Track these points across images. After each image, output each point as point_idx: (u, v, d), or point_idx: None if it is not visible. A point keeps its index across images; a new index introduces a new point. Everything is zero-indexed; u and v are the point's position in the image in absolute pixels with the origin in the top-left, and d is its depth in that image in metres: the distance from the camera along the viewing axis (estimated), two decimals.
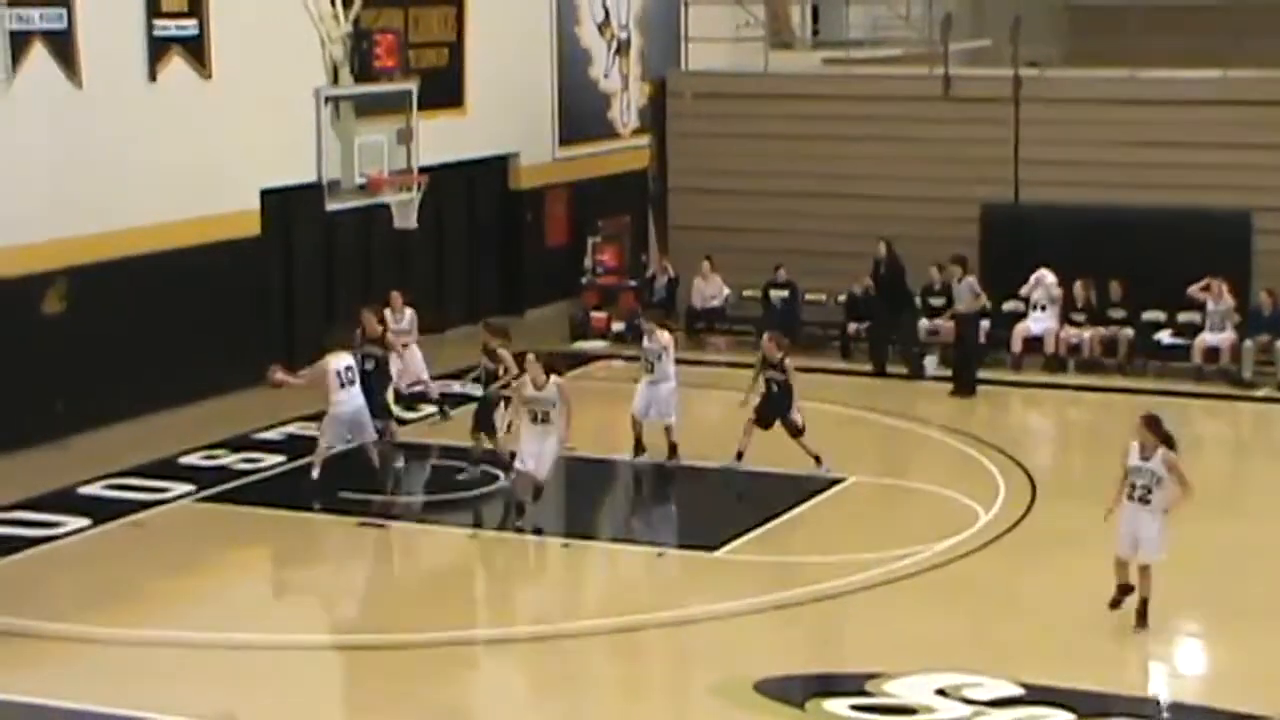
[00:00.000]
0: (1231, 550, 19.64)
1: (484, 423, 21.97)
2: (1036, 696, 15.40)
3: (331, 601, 19.03)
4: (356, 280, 28.72)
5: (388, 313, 24.45)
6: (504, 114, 31.33)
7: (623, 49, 34.77)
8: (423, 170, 25.31)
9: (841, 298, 28.97)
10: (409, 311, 24.95)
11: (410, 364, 24.52)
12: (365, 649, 17.25)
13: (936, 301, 28.24)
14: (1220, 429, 25.29)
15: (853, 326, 28.71)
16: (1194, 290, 26.69)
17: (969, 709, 15.23)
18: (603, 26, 34.20)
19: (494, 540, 20.57)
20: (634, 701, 16.21)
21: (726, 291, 29.79)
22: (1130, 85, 28.96)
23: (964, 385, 26.34)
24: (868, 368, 27.93)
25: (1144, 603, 17.10)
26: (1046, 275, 27.61)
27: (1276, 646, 16.72)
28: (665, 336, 23.32)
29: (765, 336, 22.97)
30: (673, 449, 22.79)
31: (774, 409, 22.32)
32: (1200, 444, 23.92)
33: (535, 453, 19.99)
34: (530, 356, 20.48)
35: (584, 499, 22.55)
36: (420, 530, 20.56)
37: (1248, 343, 26.60)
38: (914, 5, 34.77)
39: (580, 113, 33.61)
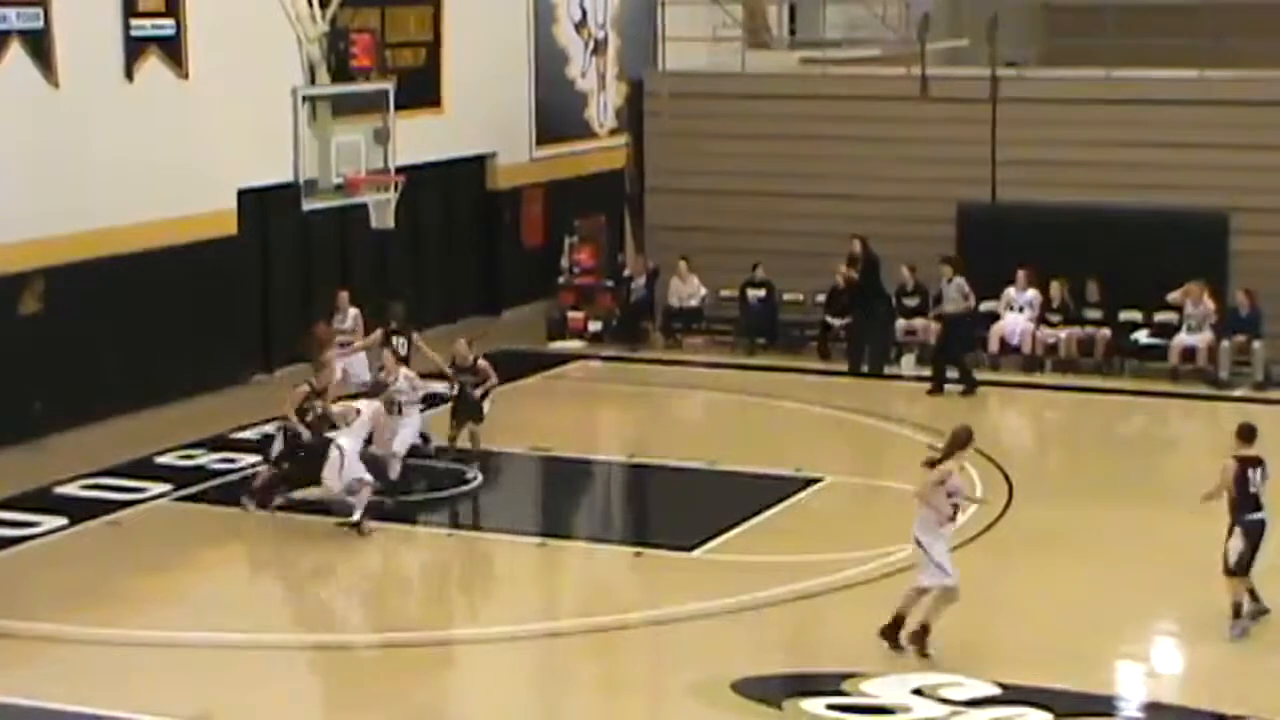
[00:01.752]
0: (1207, 550, 19.65)
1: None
2: (1013, 696, 15.43)
3: (309, 601, 19.02)
4: (333, 280, 28.66)
5: (338, 316, 24.53)
6: (481, 114, 31.32)
7: (600, 49, 34.78)
8: (400, 170, 25.28)
9: (820, 297, 28.97)
10: (353, 311, 24.91)
11: (352, 367, 24.36)
12: (344, 649, 17.26)
13: (911, 301, 28.29)
14: (1197, 429, 25.34)
15: (836, 321, 28.69)
16: (1174, 296, 26.74)
17: (946, 709, 15.26)
18: (580, 26, 34.20)
19: (473, 540, 20.59)
20: (611, 701, 16.21)
21: (703, 291, 29.79)
22: (1107, 85, 29.00)
23: (967, 384, 26.32)
24: (845, 367, 27.96)
25: None
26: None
27: (1251, 646, 16.75)
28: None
29: (459, 340, 23.13)
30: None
31: (466, 410, 22.38)
32: (1177, 444, 24.06)
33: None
34: (387, 354, 21.65)
35: (561, 499, 22.55)
36: (398, 530, 20.53)
37: (1225, 343, 26.66)
38: (891, 5, 34.81)
39: (557, 113, 33.62)
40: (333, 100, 24.05)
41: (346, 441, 20.03)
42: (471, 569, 19.92)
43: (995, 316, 27.97)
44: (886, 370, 27.70)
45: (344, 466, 19.88)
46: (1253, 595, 17.14)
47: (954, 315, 26.73)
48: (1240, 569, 17.01)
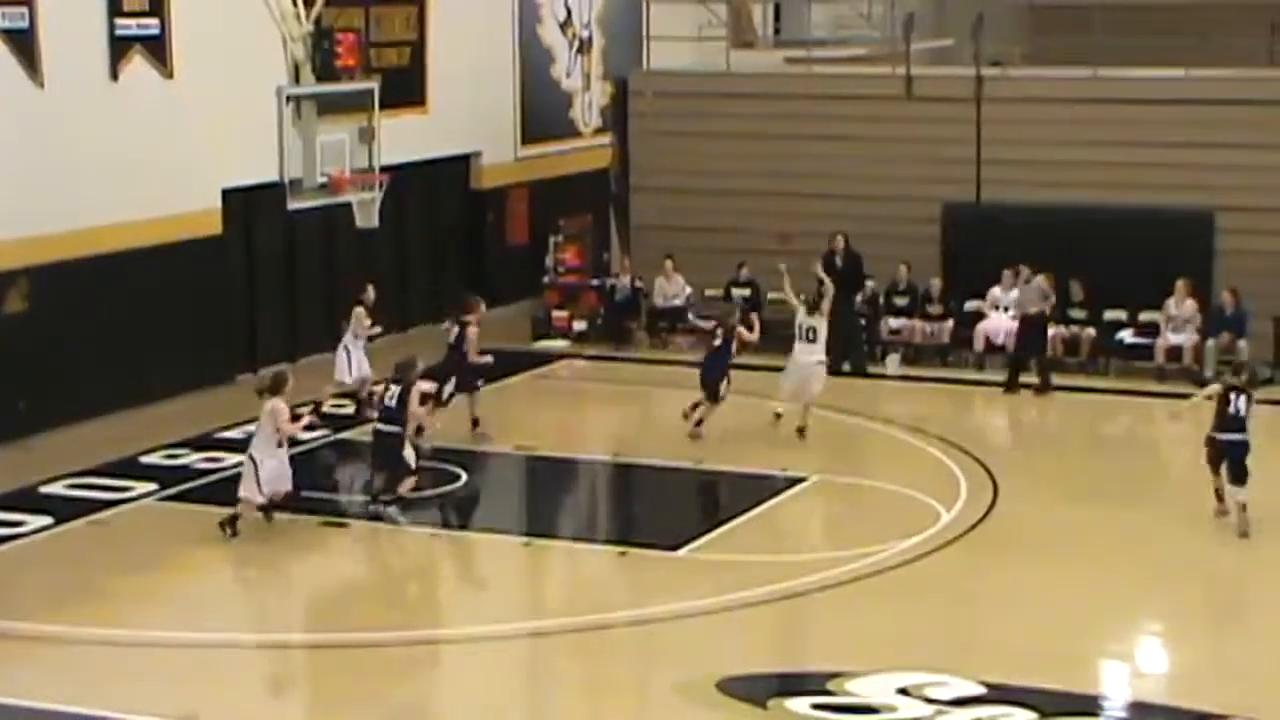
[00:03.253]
0: (1194, 550, 19.71)
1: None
2: (998, 695, 15.42)
3: (294, 601, 18.98)
4: (318, 280, 28.70)
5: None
6: (466, 113, 31.30)
7: (585, 48, 34.76)
8: (384, 169, 25.24)
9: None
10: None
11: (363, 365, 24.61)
12: (328, 648, 17.22)
13: (901, 300, 28.31)
14: (1182, 429, 25.30)
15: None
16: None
17: (931, 708, 15.26)
18: (565, 26, 34.18)
19: (456, 539, 20.56)
20: (598, 701, 16.20)
21: (689, 290, 29.79)
22: (1092, 84, 29.02)
23: (1043, 386, 26.41)
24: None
25: None
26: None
27: (1237, 646, 16.80)
28: None
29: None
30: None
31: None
32: (1161, 444, 24.06)
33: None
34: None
35: (546, 498, 22.54)
36: (382, 529, 20.50)
37: (1210, 342, 26.70)
38: (876, 5, 34.84)
39: (542, 112, 33.60)
40: (317, 100, 23.99)
41: (258, 451, 19.88)
42: (456, 569, 19.90)
43: (980, 316, 27.98)
44: (870, 369, 27.69)
45: (259, 478, 19.73)
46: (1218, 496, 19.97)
47: (1033, 316, 26.66)
48: (1213, 468, 19.96)
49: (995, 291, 27.87)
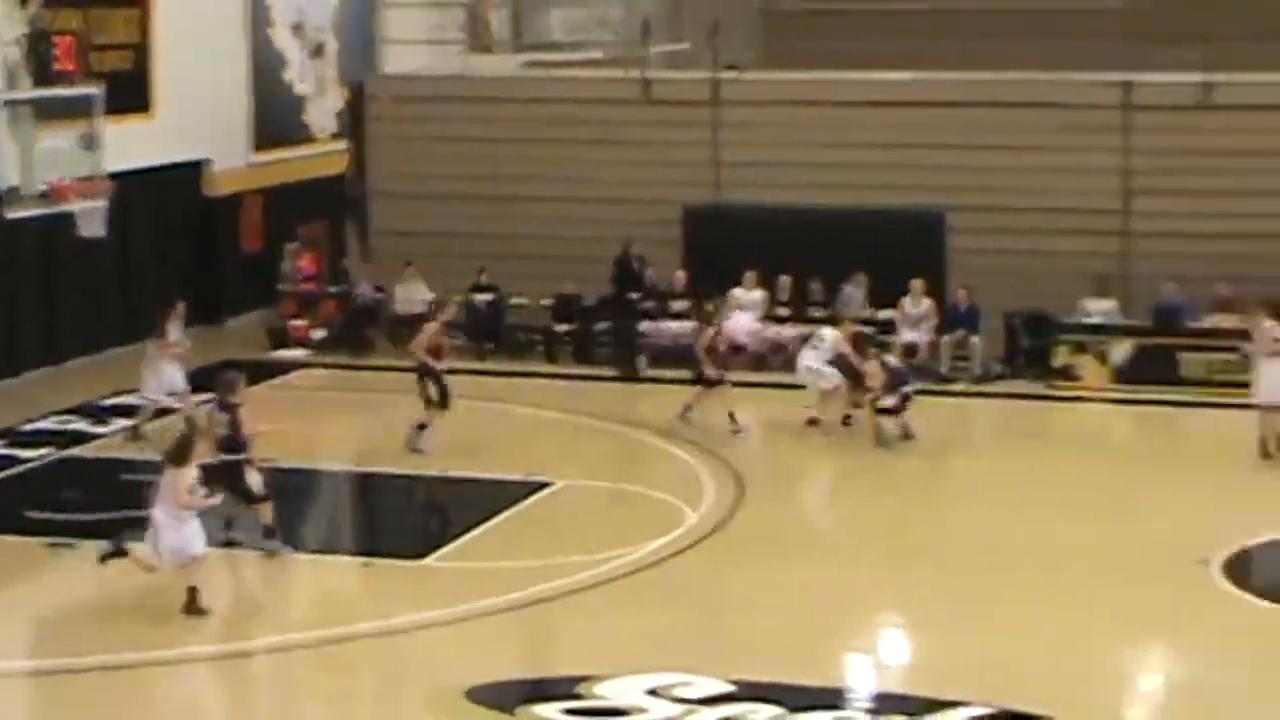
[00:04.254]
0: (931, 543, 20.03)
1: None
2: (746, 693, 15.50)
3: (14, 624, 18.31)
4: (39, 291, 27.88)
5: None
6: (195, 118, 30.63)
7: (318, 52, 34.31)
8: (110, 177, 24.64)
9: (545, 301, 29.01)
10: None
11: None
12: (59, 673, 16.71)
13: (678, 305, 28.37)
14: (919, 424, 25.74)
15: (560, 328, 28.84)
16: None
17: (680, 708, 15.29)
18: (297, 29, 33.68)
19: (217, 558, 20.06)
20: (345, 715, 15.98)
21: (430, 296, 29.56)
22: (826, 87, 29.40)
23: None
24: (575, 370, 28.00)
25: None
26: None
27: (976, 635, 17.07)
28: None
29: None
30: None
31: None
32: (895, 439, 24.33)
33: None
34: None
35: (286, 511, 22.08)
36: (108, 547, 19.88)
37: (945, 339, 27.18)
38: (613, 9, 34.92)
39: (275, 117, 33.08)
40: (35, 105, 23.34)
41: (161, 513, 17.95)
42: (208, 586, 19.43)
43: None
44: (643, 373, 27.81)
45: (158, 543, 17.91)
46: None
47: None
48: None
49: (737, 292, 28.06)
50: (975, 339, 27.28)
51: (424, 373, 23.36)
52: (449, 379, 23.44)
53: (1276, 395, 22.82)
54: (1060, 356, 26.94)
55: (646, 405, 26.08)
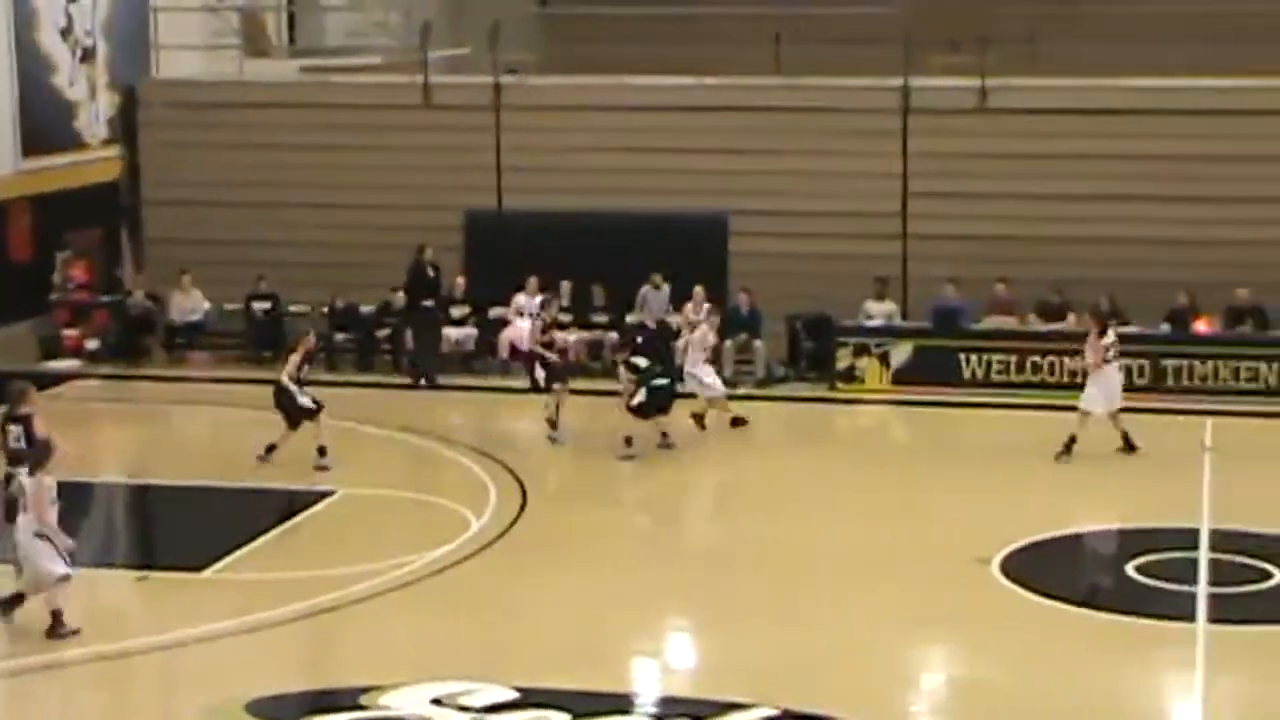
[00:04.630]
0: (716, 546, 20.07)
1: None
2: (532, 699, 15.41)
3: None
4: None
5: None
6: None
7: (88, 56, 33.57)
8: None
9: (325, 309, 28.70)
10: None
11: None
12: None
13: (458, 311, 28.18)
14: (693, 427, 25.85)
15: (339, 336, 28.58)
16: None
17: (464, 716, 15.16)
18: (66, 33, 32.92)
19: None
20: None
21: (207, 305, 29.11)
22: (609, 92, 29.42)
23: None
24: (356, 378, 27.73)
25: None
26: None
27: (758, 637, 17.14)
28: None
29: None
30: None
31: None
32: (683, 443, 24.40)
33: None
34: None
35: (61, 524, 21.56)
36: None
37: (728, 343, 27.27)
38: (392, 13, 34.65)
39: (44, 123, 32.24)
40: None
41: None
42: None
43: (505, 323, 28.02)
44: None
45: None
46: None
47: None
48: None
49: (520, 298, 27.94)
50: (758, 342, 27.45)
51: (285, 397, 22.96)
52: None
53: (1098, 404, 23.17)
54: (842, 359, 27.17)
55: (430, 412, 25.86)
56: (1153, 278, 26.70)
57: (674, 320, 27.17)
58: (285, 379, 22.96)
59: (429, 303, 27.94)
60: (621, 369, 23.75)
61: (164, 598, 18.65)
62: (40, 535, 17.28)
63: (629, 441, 23.18)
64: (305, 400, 22.93)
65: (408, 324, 28.05)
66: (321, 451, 22.80)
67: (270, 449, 22.81)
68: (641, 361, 23.52)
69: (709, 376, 24.65)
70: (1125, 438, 23.20)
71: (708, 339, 24.82)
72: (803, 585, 18.58)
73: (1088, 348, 23.53)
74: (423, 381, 27.39)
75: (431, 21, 31.28)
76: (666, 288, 27.30)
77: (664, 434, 23.64)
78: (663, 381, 23.52)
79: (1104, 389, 23.23)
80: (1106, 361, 23.33)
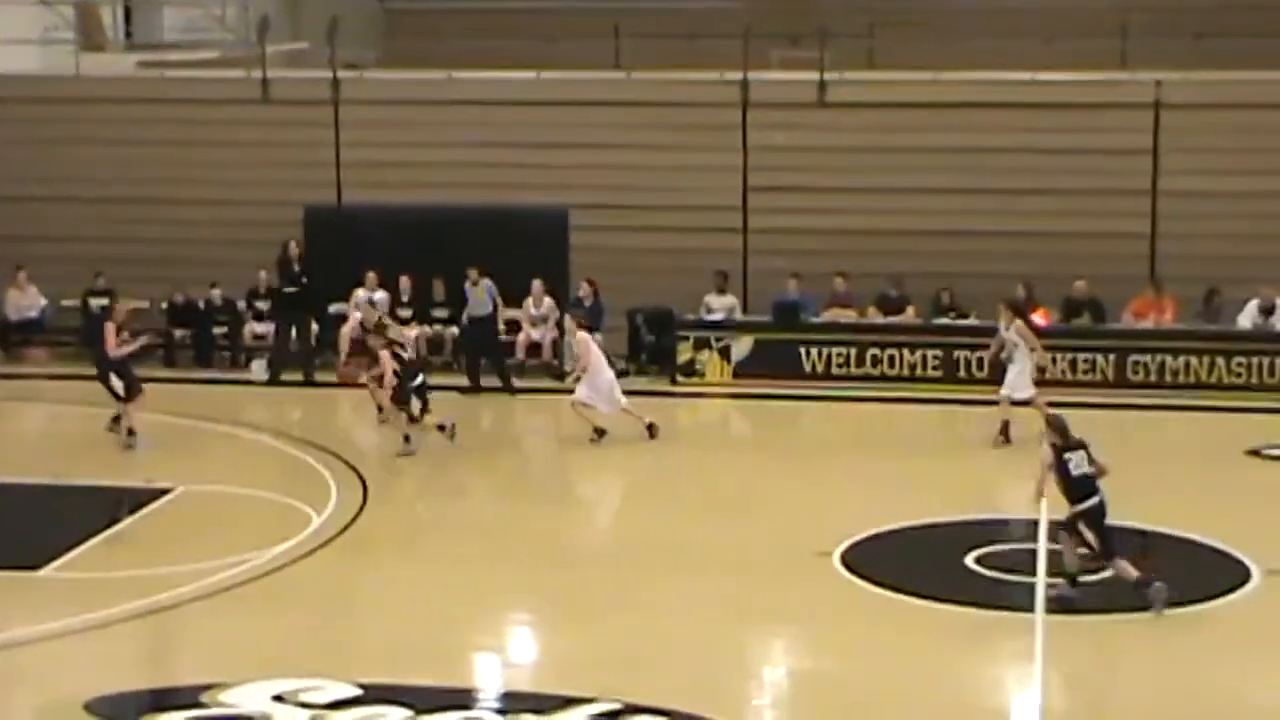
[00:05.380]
0: (555, 541, 20.15)
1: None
2: (374, 695, 15.41)
3: None
4: None
5: None
6: None
7: None
8: None
9: (164, 305, 28.50)
10: None
11: None
12: None
13: (263, 305, 28.07)
14: (540, 422, 25.93)
15: (178, 333, 28.40)
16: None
17: (307, 713, 15.13)
18: None
19: None
20: None
21: (44, 302, 28.79)
22: (448, 86, 29.42)
23: (506, 387, 26.72)
24: (194, 375, 27.57)
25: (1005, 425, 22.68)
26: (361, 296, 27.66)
27: (598, 632, 17.22)
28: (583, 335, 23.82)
29: None
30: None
31: None
32: (520, 438, 24.50)
33: None
34: None
35: None
36: None
37: (568, 338, 27.30)
38: (229, 7, 34.42)
39: None
40: None
41: None
42: None
43: (344, 319, 27.92)
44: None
45: None
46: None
47: (482, 318, 26.73)
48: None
49: (360, 293, 27.86)
50: (598, 336, 27.46)
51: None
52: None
53: (1019, 391, 23.51)
54: (683, 353, 27.34)
55: (270, 409, 25.72)
56: (991, 270, 27.08)
57: (515, 314, 27.27)
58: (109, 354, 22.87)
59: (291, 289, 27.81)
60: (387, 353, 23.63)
61: (0, 596, 18.45)
62: None
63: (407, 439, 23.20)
64: (116, 383, 22.94)
65: (279, 318, 27.85)
66: (130, 431, 23.03)
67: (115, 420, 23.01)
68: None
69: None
70: (1005, 428, 23.54)
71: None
72: (643, 579, 18.68)
73: (1019, 336, 23.70)
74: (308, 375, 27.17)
75: (269, 16, 31.14)
76: (486, 282, 27.26)
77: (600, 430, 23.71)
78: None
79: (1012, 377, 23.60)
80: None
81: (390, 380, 23.33)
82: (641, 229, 28.14)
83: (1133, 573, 17.48)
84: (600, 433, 23.80)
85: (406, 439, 23.17)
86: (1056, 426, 18.05)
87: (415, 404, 23.28)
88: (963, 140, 27.97)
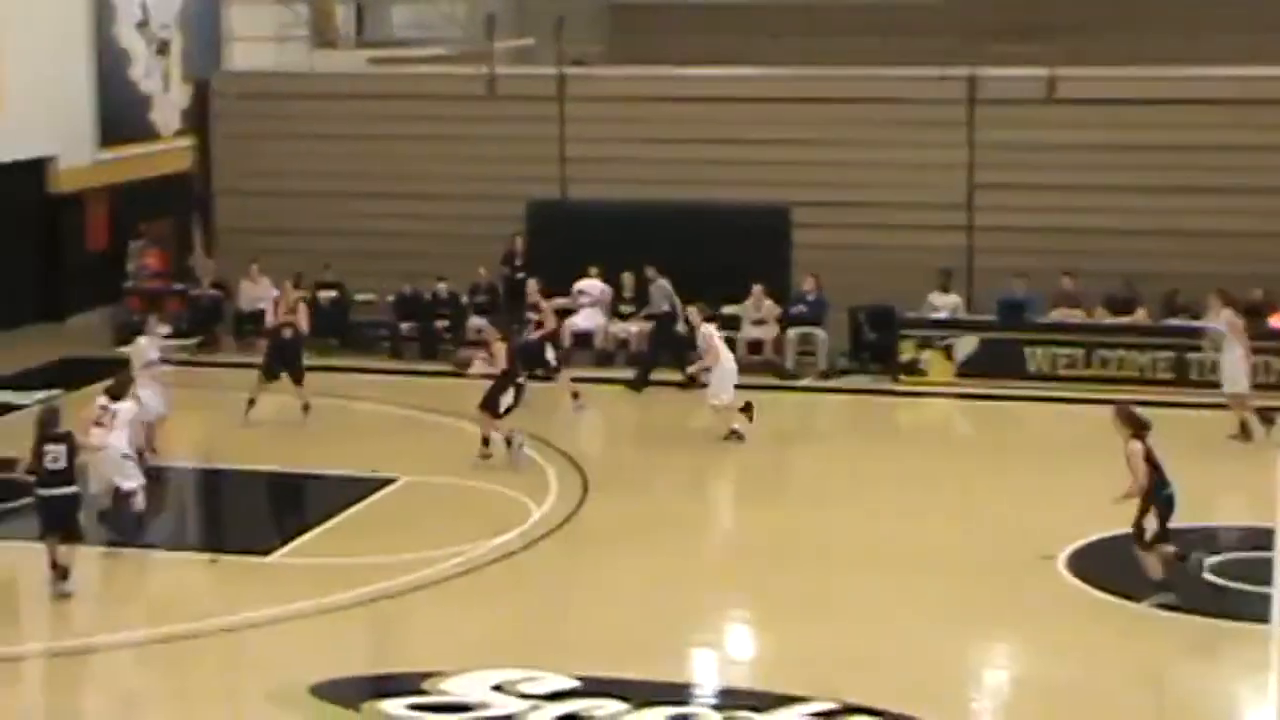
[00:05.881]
0: (776, 539, 20.11)
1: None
2: (591, 688, 15.53)
3: None
4: None
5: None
6: (40, 116, 30.29)
7: (164, 49, 33.95)
8: None
9: (390, 297, 28.92)
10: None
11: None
12: None
13: (482, 299, 28.36)
14: (763, 418, 25.86)
15: (404, 325, 28.79)
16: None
17: (525, 703, 15.29)
18: (142, 26, 33.33)
19: (38, 551, 19.79)
20: (189, 711, 15.82)
21: (275, 293, 29.30)
22: (672, 83, 29.50)
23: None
24: (420, 367, 27.93)
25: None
26: (594, 286, 27.77)
27: (820, 630, 17.17)
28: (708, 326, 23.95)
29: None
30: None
31: None
32: (747, 435, 24.42)
33: None
34: None
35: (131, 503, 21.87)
36: None
37: (791, 333, 27.30)
38: (458, 5, 34.84)
39: (121, 114, 32.72)
40: None
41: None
42: (37, 581, 19.15)
43: (569, 312, 28.13)
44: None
45: None
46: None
47: (660, 316, 26.99)
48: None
49: (582, 285, 28.03)
50: (821, 332, 27.42)
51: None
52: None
53: (1236, 385, 23.15)
54: (906, 352, 27.13)
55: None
56: (1225, 271, 26.31)
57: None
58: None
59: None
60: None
61: (233, 581, 18.89)
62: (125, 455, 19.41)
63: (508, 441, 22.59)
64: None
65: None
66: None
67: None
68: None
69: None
70: (1244, 425, 23.12)
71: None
72: (863, 579, 18.59)
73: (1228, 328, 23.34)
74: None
75: (497, 13, 31.46)
76: (661, 281, 27.30)
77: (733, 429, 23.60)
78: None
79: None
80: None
81: (495, 368, 22.91)
82: (864, 226, 27.97)
83: (1159, 571, 17.25)
84: (737, 435, 23.67)
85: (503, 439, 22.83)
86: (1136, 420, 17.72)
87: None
88: (1196, 138, 27.34)
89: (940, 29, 29.31)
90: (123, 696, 16.30)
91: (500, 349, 22.69)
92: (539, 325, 25.60)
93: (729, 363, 24.01)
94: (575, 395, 25.08)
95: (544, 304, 25.92)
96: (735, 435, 23.55)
